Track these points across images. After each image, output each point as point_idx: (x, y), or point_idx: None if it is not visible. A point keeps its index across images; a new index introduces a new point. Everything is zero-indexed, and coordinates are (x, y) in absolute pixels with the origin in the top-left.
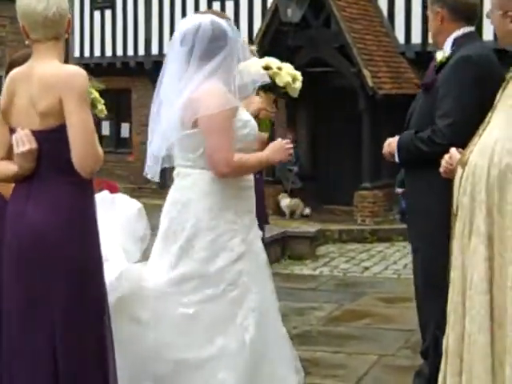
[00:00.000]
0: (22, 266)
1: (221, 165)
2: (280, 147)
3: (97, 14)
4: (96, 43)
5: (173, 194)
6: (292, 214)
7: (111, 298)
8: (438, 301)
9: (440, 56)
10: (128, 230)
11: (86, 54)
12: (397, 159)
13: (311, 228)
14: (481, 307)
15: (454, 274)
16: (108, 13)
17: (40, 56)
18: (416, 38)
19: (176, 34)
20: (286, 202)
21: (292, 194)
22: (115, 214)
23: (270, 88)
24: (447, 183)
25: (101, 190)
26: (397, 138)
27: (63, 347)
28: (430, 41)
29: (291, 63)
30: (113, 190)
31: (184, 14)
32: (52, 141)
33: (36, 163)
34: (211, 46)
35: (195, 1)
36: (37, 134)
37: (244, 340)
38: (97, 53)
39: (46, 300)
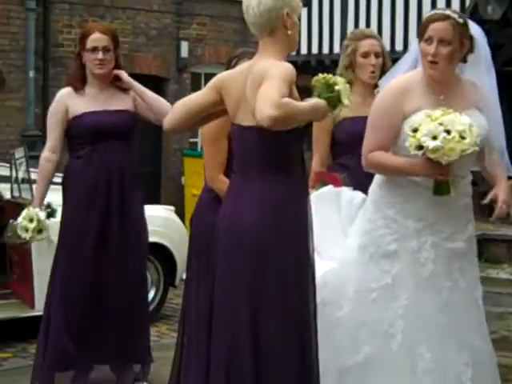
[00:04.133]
0: (229, 264)
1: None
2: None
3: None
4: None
5: None
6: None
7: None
8: None
9: None
10: (351, 221)
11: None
12: None
13: (510, 231)
14: None
15: None
16: (304, 11)
17: (260, 52)
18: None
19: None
20: None
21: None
22: (340, 208)
23: None
24: None
25: (324, 183)
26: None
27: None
28: None
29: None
30: (336, 183)
31: (380, 12)
32: (259, 137)
33: (242, 160)
34: None
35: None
36: (245, 130)
37: (390, 347)
38: (303, 51)
39: (250, 299)
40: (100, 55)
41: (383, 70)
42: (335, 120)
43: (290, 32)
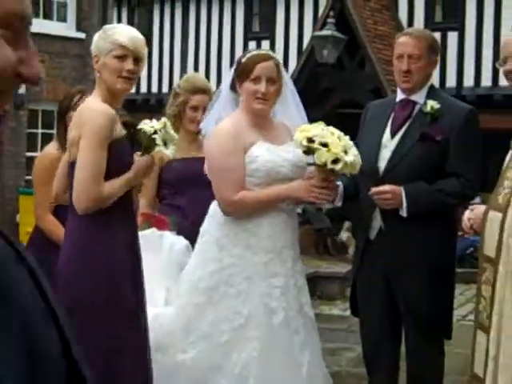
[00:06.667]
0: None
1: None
2: (304, 187)
3: None
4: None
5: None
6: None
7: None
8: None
9: (430, 105)
10: (173, 268)
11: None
12: (405, 213)
13: (342, 268)
14: None
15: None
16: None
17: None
18: (451, 82)
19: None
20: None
21: (321, 232)
22: (161, 252)
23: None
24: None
25: (149, 225)
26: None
27: None
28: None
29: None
30: (161, 226)
31: (219, 54)
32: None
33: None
34: None
35: (231, 40)
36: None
37: None
38: (143, 89)
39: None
40: None
41: None
42: (163, 162)
43: (98, 74)
